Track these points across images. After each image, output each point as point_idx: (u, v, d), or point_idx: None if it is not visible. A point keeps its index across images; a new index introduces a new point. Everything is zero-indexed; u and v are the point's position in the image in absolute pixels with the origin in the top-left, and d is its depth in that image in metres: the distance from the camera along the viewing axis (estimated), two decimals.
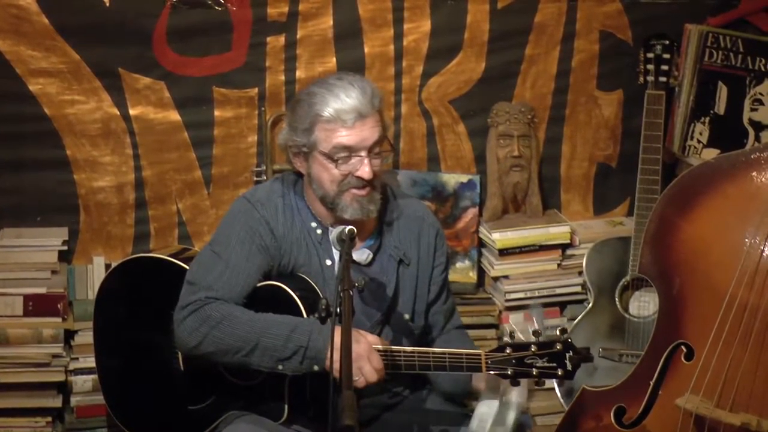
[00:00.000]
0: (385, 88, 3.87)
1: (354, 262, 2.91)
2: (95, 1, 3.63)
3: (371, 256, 2.98)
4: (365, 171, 2.84)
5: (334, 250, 2.92)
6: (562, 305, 4.02)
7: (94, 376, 3.51)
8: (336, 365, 2.61)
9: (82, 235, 3.80)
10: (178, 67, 3.74)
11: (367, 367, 2.71)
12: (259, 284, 2.89)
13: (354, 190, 2.87)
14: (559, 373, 2.74)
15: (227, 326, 2.79)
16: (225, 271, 2.86)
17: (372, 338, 2.78)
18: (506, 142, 3.95)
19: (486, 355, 2.77)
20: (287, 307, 2.84)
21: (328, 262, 2.93)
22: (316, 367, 2.75)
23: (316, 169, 2.90)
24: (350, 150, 2.84)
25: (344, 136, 2.83)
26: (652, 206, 3.19)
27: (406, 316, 3.01)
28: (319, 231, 2.95)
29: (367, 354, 2.72)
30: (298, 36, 3.80)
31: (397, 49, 3.88)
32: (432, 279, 3.07)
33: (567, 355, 2.74)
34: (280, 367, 2.78)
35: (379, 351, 2.79)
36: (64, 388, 3.68)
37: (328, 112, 2.83)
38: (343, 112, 2.82)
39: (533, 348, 2.75)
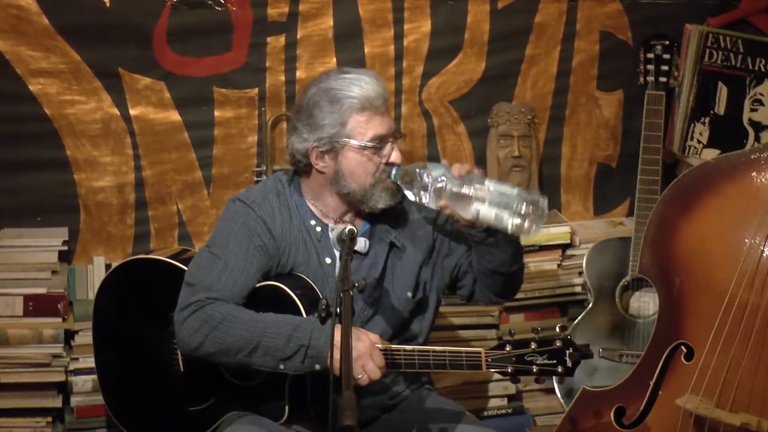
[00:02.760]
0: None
1: (355, 252, 2.90)
2: (95, 1, 3.63)
3: (368, 243, 2.97)
4: (397, 155, 2.87)
5: (333, 248, 2.92)
6: (563, 306, 4.02)
7: (95, 377, 3.50)
8: (336, 364, 2.61)
9: (83, 235, 3.80)
10: (178, 68, 3.74)
11: (369, 365, 2.71)
12: (258, 284, 2.89)
13: (388, 179, 2.88)
14: (559, 370, 2.74)
15: (228, 326, 2.79)
16: (224, 271, 2.86)
17: (374, 337, 2.78)
18: (506, 143, 3.95)
19: (486, 352, 2.77)
20: (286, 306, 2.84)
21: (328, 260, 2.93)
22: (317, 366, 2.75)
23: (350, 163, 2.89)
24: (383, 138, 2.86)
25: (378, 125, 2.86)
26: (653, 206, 3.19)
27: (409, 294, 3.00)
28: (318, 229, 2.95)
29: (369, 351, 2.72)
30: (298, 36, 3.80)
31: (398, 49, 3.88)
32: (437, 240, 3.04)
33: (567, 352, 2.74)
34: (282, 366, 2.78)
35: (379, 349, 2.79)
36: (64, 389, 3.68)
37: (359, 102, 2.84)
38: (373, 99, 2.84)
39: (533, 345, 2.75)
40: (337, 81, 2.87)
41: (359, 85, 2.85)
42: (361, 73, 2.89)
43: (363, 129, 2.86)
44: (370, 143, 2.86)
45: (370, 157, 2.87)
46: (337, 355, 2.60)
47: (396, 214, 3.01)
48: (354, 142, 2.86)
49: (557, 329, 2.78)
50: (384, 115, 2.87)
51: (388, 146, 2.88)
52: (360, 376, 2.70)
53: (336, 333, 2.59)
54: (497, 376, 3.85)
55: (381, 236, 2.99)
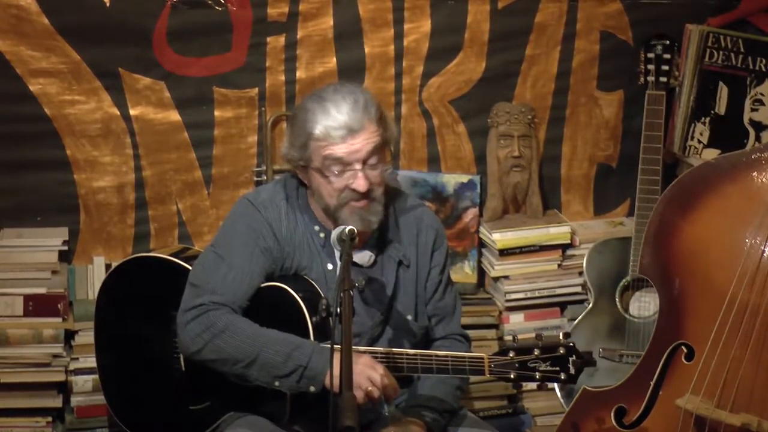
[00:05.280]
0: (385, 89, 3.87)
1: (355, 264, 2.91)
2: (95, 1, 3.63)
3: (373, 258, 2.98)
4: (359, 183, 2.83)
5: (336, 255, 2.92)
6: (563, 305, 4.02)
7: (95, 377, 3.51)
8: (336, 381, 2.60)
9: (83, 235, 3.80)
10: (178, 67, 3.74)
11: (375, 375, 2.71)
12: (262, 285, 2.89)
13: (353, 203, 2.86)
14: (562, 377, 2.75)
15: (230, 336, 2.80)
16: (228, 273, 2.86)
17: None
18: (506, 143, 3.95)
19: (489, 358, 2.78)
20: (289, 308, 2.84)
21: (330, 267, 2.93)
22: (312, 388, 2.77)
23: (314, 181, 2.90)
24: (342, 163, 2.83)
25: (334, 151, 2.83)
26: (653, 206, 3.19)
27: (409, 317, 3.01)
28: (322, 235, 2.95)
29: (371, 363, 2.74)
30: (298, 36, 3.80)
31: (398, 49, 3.88)
32: (429, 279, 3.06)
33: (570, 359, 2.76)
34: (277, 383, 2.79)
35: (381, 353, 2.80)
36: (64, 389, 3.68)
37: (318, 129, 2.83)
38: (332, 129, 2.82)
39: (536, 351, 2.76)
40: (314, 102, 2.86)
41: (327, 111, 2.82)
42: (343, 96, 2.83)
43: (318, 154, 2.84)
44: (322, 167, 2.85)
45: (330, 180, 2.86)
46: (336, 372, 2.58)
47: (407, 234, 3.03)
48: (312, 165, 2.86)
49: (561, 336, 2.78)
50: (343, 143, 2.81)
51: (349, 172, 2.84)
52: (369, 388, 2.69)
53: (336, 359, 2.55)
54: None
55: (390, 254, 3.00)
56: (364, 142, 2.83)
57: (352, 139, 2.81)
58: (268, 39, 3.79)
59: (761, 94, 3.99)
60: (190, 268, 3.00)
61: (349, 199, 2.86)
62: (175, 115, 3.78)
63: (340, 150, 2.82)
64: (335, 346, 2.56)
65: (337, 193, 2.86)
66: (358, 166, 2.83)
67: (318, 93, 2.91)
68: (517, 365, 2.76)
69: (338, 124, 2.81)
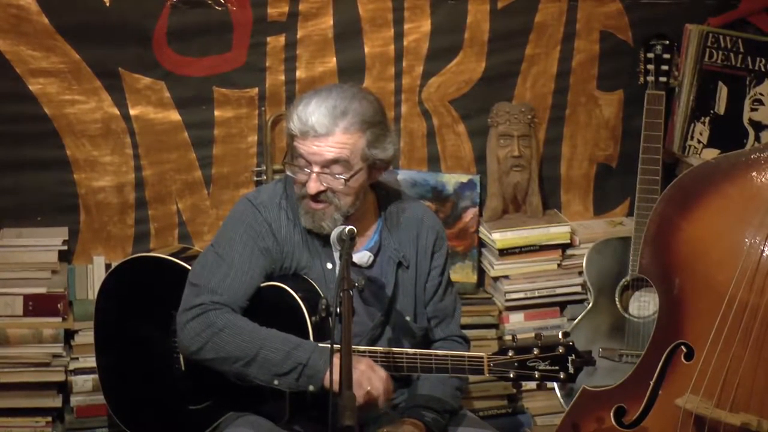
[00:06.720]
0: (385, 89, 3.87)
1: (354, 264, 2.91)
2: (95, 1, 3.63)
3: (372, 258, 2.98)
4: (309, 185, 2.86)
5: (335, 254, 2.93)
6: (562, 305, 4.02)
7: (95, 376, 3.51)
8: (336, 377, 2.60)
9: (82, 235, 3.80)
10: (178, 67, 3.74)
11: (375, 377, 2.72)
12: (262, 285, 2.90)
13: (306, 200, 2.89)
14: (562, 376, 2.76)
15: (229, 335, 2.80)
16: (228, 273, 2.87)
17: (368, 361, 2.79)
18: (506, 142, 3.95)
19: (489, 357, 2.78)
20: (289, 308, 2.84)
21: (329, 266, 2.94)
22: (311, 387, 2.77)
23: None
24: (305, 159, 2.86)
25: (299, 145, 2.86)
26: (652, 206, 3.19)
27: (408, 318, 3.01)
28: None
29: (370, 365, 2.74)
30: (298, 36, 3.80)
31: (397, 49, 3.88)
32: (428, 280, 3.07)
33: (569, 358, 2.76)
34: (276, 382, 2.79)
35: (380, 352, 2.80)
36: (64, 388, 3.68)
37: (292, 122, 2.86)
38: (300, 124, 2.84)
39: (536, 351, 2.76)
40: (305, 96, 2.90)
41: (306, 107, 2.84)
42: (321, 98, 2.86)
43: (292, 143, 2.88)
44: (294, 158, 2.88)
45: (295, 171, 2.89)
46: (336, 371, 2.58)
47: (407, 236, 3.03)
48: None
49: (560, 335, 2.79)
50: (308, 140, 2.84)
51: (308, 170, 2.86)
52: (368, 388, 2.70)
53: (335, 359, 2.58)
54: None
55: (389, 254, 3.00)
56: (326, 149, 2.84)
57: (316, 141, 2.84)
58: (268, 39, 3.79)
59: (761, 94, 3.99)
60: (190, 268, 3.00)
61: (304, 195, 2.88)
62: (175, 115, 3.78)
63: (302, 147, 2.85)
64: (335, 345, 2.57)
65: (299, 185, 2.90)
66: (315, 168, 2.85)
67: (319, 87, 2.94)
68: (516, 365, 2.76)
69: (306, 122, 2.84)
